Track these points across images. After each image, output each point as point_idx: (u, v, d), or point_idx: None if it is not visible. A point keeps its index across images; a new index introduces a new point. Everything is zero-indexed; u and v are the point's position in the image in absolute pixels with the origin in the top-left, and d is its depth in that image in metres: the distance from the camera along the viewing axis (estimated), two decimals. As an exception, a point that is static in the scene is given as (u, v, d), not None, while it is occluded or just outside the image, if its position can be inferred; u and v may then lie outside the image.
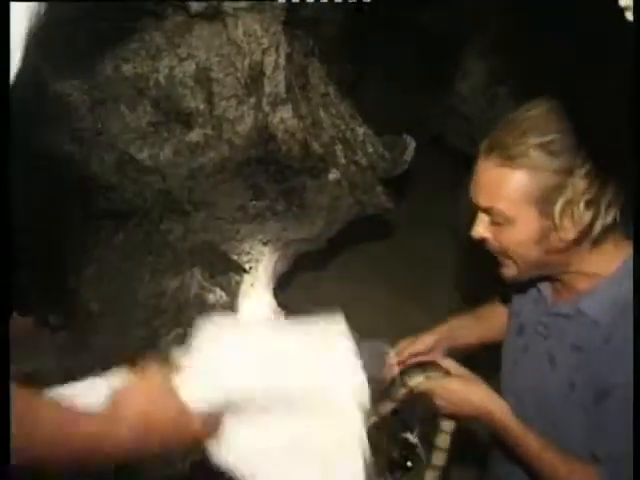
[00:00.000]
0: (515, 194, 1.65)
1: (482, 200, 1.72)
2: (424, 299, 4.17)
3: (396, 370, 2.00)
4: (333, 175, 3.17)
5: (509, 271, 1.81)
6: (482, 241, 1.81)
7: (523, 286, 1.98)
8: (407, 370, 2.03)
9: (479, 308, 2.37)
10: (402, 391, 2.02)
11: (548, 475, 1.74)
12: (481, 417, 1.84)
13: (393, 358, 2.02)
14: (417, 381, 1.98)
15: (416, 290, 4.43)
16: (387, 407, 2.08)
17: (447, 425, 2.03)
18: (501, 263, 1.82)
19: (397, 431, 2.45)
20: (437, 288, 4.43)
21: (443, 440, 2.06)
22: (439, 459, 2.11)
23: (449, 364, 1.94)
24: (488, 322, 2.27)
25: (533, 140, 1.63)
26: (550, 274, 1.83)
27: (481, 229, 1.78)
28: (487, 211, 1.74)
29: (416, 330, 2.22)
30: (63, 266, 3.00)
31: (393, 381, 2.03)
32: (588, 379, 1.70)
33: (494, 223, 1.74)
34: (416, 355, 2.09)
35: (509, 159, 1.64)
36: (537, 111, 1.68)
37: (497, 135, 1.69)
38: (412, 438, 2.42)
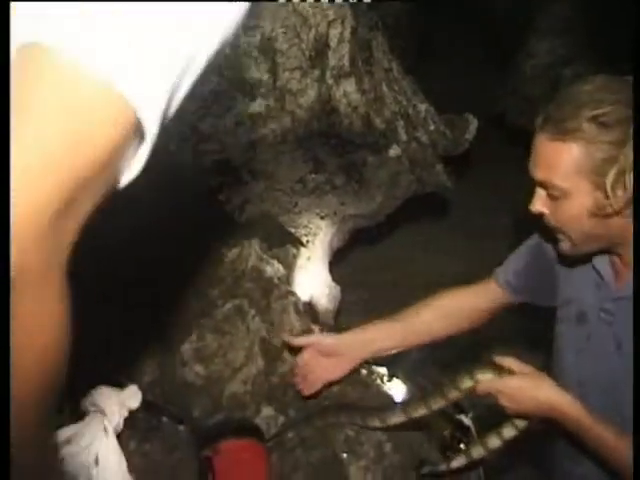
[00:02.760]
0: (569, 167, 1.66)
1: (538, 174, 1.74)
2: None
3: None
4: (394, 151, 3.14)
5: (565, 246, 1.83)
6: (540, 216, 1.82)
7: (583, 271, 1.95)
8: (477, 366, 2.00)
9: (404, 310, 2.35)
10: (468, 384, 1.99)
11: (620, 463, 1.71)
12: (551, 413, 1.81)
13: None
14: (486, 377, 1.95)
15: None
16: (452, 395, 2.06)
17: (520, 422, 1.98)
18: (558, 239, 1.82)
19: (451, 412, 2.44)
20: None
21: (509, 432, 2.02)
22: (494, 443, 2.08)
23: (511, 362, 1.91)
24: (412, 325, 2.28)
25: (587, 113, 1.63)
26: (605, 247, 1.82)
27: (539, 204, 1.79)
28: (543, 185, 1.76)
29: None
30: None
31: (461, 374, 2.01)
32: None
33: (551, 197, 1.75)
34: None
35: (563, 132, 1.66)
36: (591, 85, 1.68)
37: (551, 109, 1.70)
38: (466, 420, 2.41)
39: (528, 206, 1.82)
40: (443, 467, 2.15)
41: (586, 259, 1.89)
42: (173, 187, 2.60)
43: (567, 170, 1.65)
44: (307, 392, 2.32)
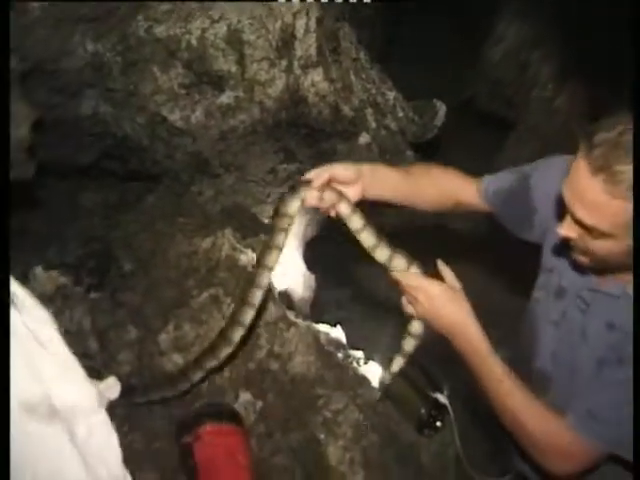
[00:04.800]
0: (620, 220, 1.64)
1: (582, 215, 1.70)
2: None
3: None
4: (363, 139, 3.17)
5: (583, 260, 1.83)
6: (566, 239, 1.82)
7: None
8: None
9: (412, 166, 2.36)
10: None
11: (503, 401, 1.81)
12: (452, 328, 1.88)
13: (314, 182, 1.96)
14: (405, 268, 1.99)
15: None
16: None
17: (416, 327, 2.05)
18: (576, 251, 1.83)
19: (427, 391, 2.48)
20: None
21: (409, 344, 2.10)
22: (399, 364, 2.15)
23: (446, 273, 1.97)
24: (416, 184, 2.22)
25: None
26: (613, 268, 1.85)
27: (571, 232, 1.77)
28: (580, 222, 1.72)
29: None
30: (95, 226, 3.04)
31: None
32: (616, 358, 1.75)
33: (582, 227, 1.73)
34: (333, 181, 2.00)
35: (618, 187, 1.60)
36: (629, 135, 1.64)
37: (604, 157, 1.63)
38: (442, 399, 2.45)
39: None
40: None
41: None
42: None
43: (616, 222, 1.64)
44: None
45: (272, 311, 2.62)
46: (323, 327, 2.90)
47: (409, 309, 1.99)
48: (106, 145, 2.95)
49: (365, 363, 2.72)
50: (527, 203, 2.11)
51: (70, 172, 3.12)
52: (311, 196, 1.92)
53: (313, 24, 2.91)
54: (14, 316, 1.19)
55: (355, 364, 2.70)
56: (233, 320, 2.10)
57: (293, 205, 1.93)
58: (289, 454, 2.35)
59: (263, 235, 2.91)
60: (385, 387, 2.40)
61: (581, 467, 1.80)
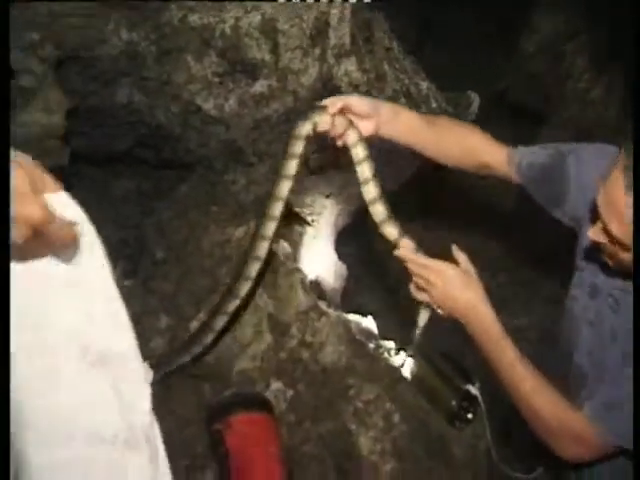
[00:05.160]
0: None
1: (612, 225, 1.68)
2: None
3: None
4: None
5: (611, 264, 1.83)
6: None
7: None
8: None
9: (439, 117, 2.34)
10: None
11: (516, 386, 1.83)
12: (468, 312, 1.89)
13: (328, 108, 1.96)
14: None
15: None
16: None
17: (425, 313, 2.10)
18: (604, 254, 1.82)
19: (458, 383, 2.47)
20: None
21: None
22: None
23: (461, 256, 1.98)
24: (439, 135, 2.19)
25: None
26: None
27: (600, 237, 1.76)
28: (610, 232, 1.71)
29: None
30: (128, 214, 3.06)
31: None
32: None
33: (612, 237, 1.71)
34: (347, 111, 1.99)
35: None
36: None
37: None
38: (474, 390, 2.45)
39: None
40: None
41: None
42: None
43: None
44: None
45: (303, 300, 2.62)
46: (354, 317, 2.90)
47: (419, 295, 2.00)
48: (140, 133, 2.96)
49: (396, 353, 2.72)
50: (561, 181, 2.08)
51: (103, 160, 3.14)
52: (323, 121, 1.94)
53: (348, 13, 2.89)
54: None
55: (386, 354, 2.70)
56: (248, 256, 2.19)
57: (305, 128, 1.96)
58: (319, 443, 2.36)
59: (296, 225, 2.91)
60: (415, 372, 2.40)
61: (592, 455, 1.82)
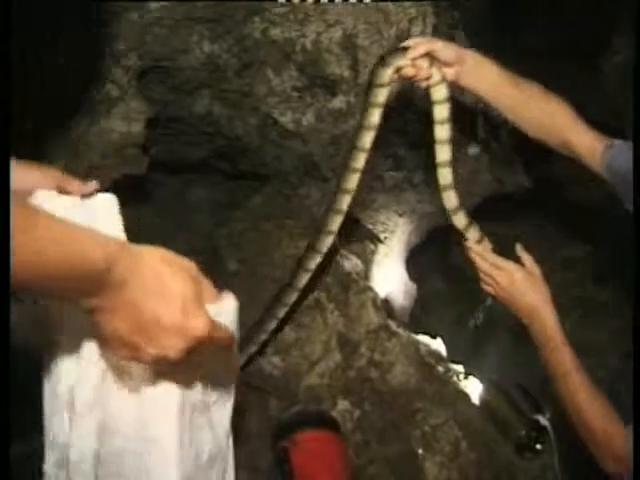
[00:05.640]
0: None
1: None
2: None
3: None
4: (473, 149, 3.13)
5: None
6: None
7: None
8: None
9: (530, 81, 2.10)
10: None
11: (570, 396, 1.81)
12: (532, 314, 1.89)
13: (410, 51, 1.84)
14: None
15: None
16: None
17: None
18: None
19: (528, 412, 2.43)
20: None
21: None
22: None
23: (526, 257, 1.96)
24: (525, 97, 2.04)
25: None
26: None
27: None
28: None
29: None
30: (202, 223, 3.08)
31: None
32: None
33: None
34: (431, 55, 1.87)
35: None
36: None
37: None
38: (543, 420, 2.40)
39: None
40: None
41: None
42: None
43: None
44: None
45: (374, 319, 2.60)
46: (423, 338, 2.87)
47: (486, 287, 2.00)
48: (217, 144, 2.98)
49: (465, 378, 2.68)
50: None
51: (180, 169, 3.17)
52: (405, 64, 1.84)
53: (429, 31, 2.87)
54: None
55: (455, 378, 2.67)
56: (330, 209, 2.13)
57: (387, 74, 1.85)
58: (385, 465, 2.33)
59: (368, 242, 2.90)
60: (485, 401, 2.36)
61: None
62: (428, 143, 2.97)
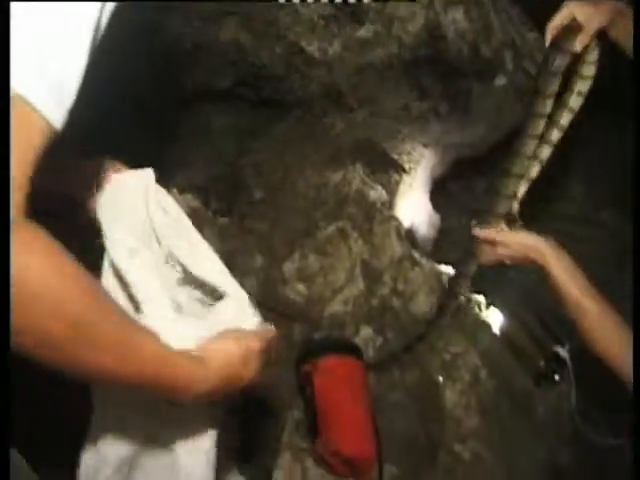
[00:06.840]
0: None
1: None
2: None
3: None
4: (500, 80, 3.10)
5: None
6: None
7: None
8: None
9: None
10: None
11: (584, 319, 1.74)
12: (535, 259, 1.83)
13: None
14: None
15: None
16: None
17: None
18: None
19: (547, 343, 2.45)
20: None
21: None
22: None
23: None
24: None
25: None
26: None
27: None
28: None
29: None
30: (225, 151, 3.08)
31: None
32: None
33: None
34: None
35: None
36: None
37: None
38: (563, 352, 2.43)
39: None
40: None
41: None
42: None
43: None
44: None
45: (397, 248, 2.62)
46: (445, 268, 2.89)
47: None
48: (242, 72, 2.97)
49: (487, 308, 2.70)
50: None
51: (204, 96, 3.15)
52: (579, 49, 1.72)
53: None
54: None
55: (476, 309, 2.69)
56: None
57: (563, 62, 1.71)
58: (405, 392, 2.38)
59: (392, 172, 2.90)
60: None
61: None
62: (454, 75, 2.98)
